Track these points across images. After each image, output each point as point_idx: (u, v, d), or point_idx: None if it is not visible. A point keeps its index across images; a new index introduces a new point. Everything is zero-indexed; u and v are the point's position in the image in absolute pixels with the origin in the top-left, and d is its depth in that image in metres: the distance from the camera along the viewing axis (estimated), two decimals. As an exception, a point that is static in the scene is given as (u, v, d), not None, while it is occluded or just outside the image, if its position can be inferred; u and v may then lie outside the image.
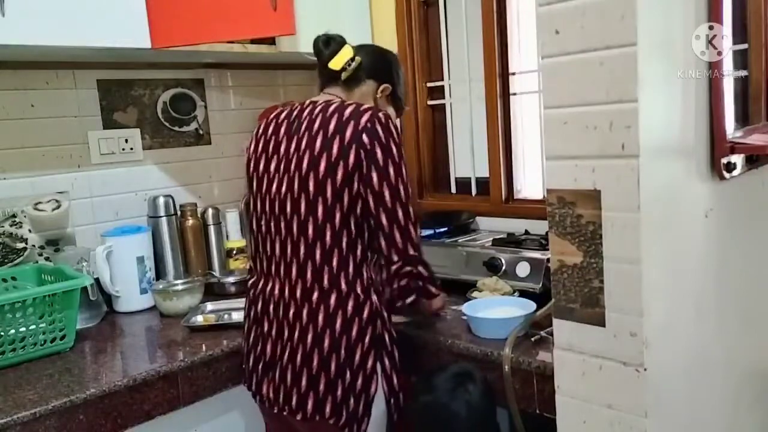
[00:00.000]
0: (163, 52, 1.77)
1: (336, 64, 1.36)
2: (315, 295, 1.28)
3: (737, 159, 1.13)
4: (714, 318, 1.14)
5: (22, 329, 1.50)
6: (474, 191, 2.18)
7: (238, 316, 1.76)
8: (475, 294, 1.64)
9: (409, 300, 1.32)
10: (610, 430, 0.97)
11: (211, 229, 2.16)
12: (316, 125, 1.29)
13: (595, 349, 0.97)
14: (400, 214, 1.26)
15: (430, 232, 1.98)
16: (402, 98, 1.51)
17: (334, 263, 1.27)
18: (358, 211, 1.27)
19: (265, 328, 1.36)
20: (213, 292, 1.98)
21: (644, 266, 0.90)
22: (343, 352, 1.27)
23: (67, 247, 1.90)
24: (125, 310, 1.89)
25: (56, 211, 1.90)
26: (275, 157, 1.35)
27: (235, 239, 2.18)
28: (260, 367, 1.37)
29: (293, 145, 1.31)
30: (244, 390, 1.59)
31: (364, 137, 1.24)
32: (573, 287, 0.97)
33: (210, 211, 2.16)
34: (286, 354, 1.30)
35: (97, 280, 1.82)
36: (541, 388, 1.28)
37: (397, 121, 2.18)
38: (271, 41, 1.99)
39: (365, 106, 1.29)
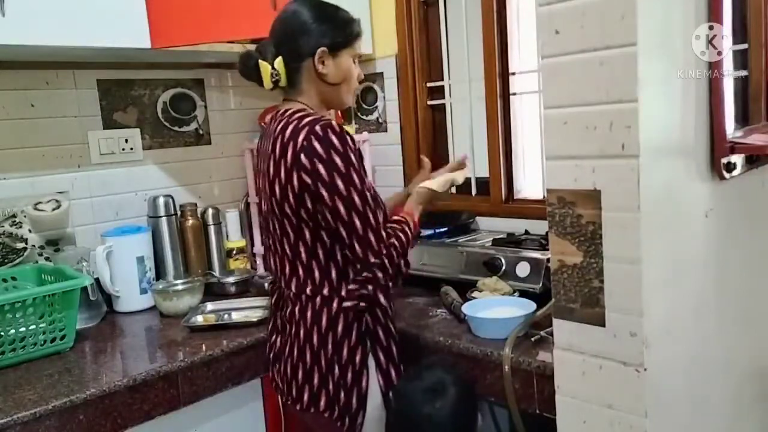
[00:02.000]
0: (163, 52, 1.77)
1: (267, 84, 1.32)
2: (303, 297, 1.32)
3: (737, 159, 1.13)
4: (714, 318, 1.14)
5: (22, 329, 1.50)
6: (474, 191, 2.18)
7: (238, 316, 1.76)
8: (475, 294, 1.64)
9: (348, 304, 1.27)
10: (610, 430, 0.97)
11: (211, 229, 2.16)
12: (271, 146, 1.27)
13: (595, 349, 0.97)
14: (357, 223, 1.23)
15: (430, 232, 1.98)
16: (347, 37, 1.33)
17: (316, 275, 1.29)
18: (323, 223, 1.26)
19: (277, 321, 1.42)
20: (213, 292, 1.98)
21: (644, 266, 0.90)
22: (330, 347, 1.29)
23: (67, 247, 1.90)
24: (125, 310, 1.89)
25: (56, 211, 1.90)
26: (260, 175, 1.37)
27: (235, 239, 2.18)
28: (272, 356, 1.43)
29: (266, 166, 1.31)
30: (244, 390, 1.60)
31: (303, 158, 1.21)
32: (573, 287, 0.97)
33: (210, 211, 2.16)
34: (287, 347, 1.35)
35: (97, 280, 1.82)
36: (541, 388, 1.28)
37: (396, 113, 2.23)
38: (271, 41, 1.99)
39: (305, 121, 1.23)
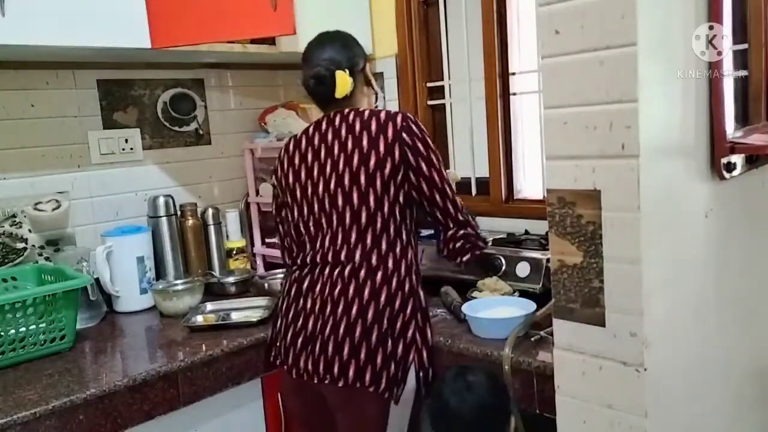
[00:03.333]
0: (163, 52, 1.77)
1: (343, 93, 1.47)
2: (362, 273, 1.38)
3: (737, 159, 1.13)
4: (714, 318, 1.14)
5: (22, 329, 1.50)
6: (474, 191, 2.18)
7: (238, 316, 1.76)
8: (475, 294, 1.64)
9: (465, 258, 1.49)
10: (610, 430, 0.97)
11: (211, 229, 2.16)
12: (358, 127, 1.43)
13: (595, 349, 0.97)
14: (448, 189, 1.45)
15: (430, 232, 1.97)
16: (365, 52, 1.59)
17: (383, 246, 1.40)
18: (401, 198, 1.42)
19: (308, 305, 1.43)
20: (213, 292, 1.98)
21: (644, 266, 0.90)
22: (385, 322, 1.36)
23: (67, 247, 1.90)
24: (125, 310, 1.89)
25: (56, 211, 1.90)
26: (316, 162, 1.47)
27: (235, 239, 2.18)
28: (300, 341, 1.43)
29: (337, 148, 1.44)
30: (244, 390, 1.60)
31: (404, 135, 1.40)
32: (573, 287, 0.97)
33: (210, 211, 2.16)
34: (328, 327, 1.38)
35: (97, 280, 1.82)
36: (541, 388, 1.28)
37: (399, 109, 2.21)
38: (271, 41, 1.99)
39: (393, 112, 1.45)
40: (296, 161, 1.51)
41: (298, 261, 1.50)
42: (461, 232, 1.49)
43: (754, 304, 1.32)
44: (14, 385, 1.38)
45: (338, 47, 1.51)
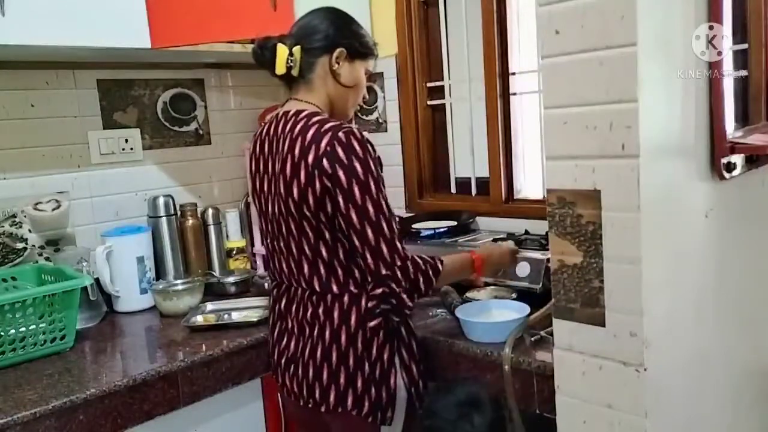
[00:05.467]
0: (163, 52, 1.77)
1: (280, 69, 1.33)
2: (328, 298, 1.31)
3: (737, 159, 1.13)
4: (714, 318, 1.15)
5: (22, 329, 1.50)
6: (474, 191, 2.18)
7: (238, 316, 1.76)
8: (473, 294, 1.65)
9: (372, 324, 1.28)
10: (610, 430, 0.97)
11: (211, 229, 2.16)
12: (287, 146, 1.28)
13: (595, 349, 0.97)
14: (370, 233, 1.22)
15: (430, 232, 1.98)
16: (365, 50, 1.39)
17: (340, 274, 1.30)
18: (338, 229, 1.27)
19: (289, 325, 1.39)
20: (213, 292, 1.98)
21: (644, 266, 0.90)
22: (360, 345, 1.29)
23: (67, 247, 1.90)
24: (125, 310, 1.89)
25: (56, 211, 1.90)
26: (265, 176, 1.36)
27: (235, 239, 2.18)
28: (284, 361, 1.40)
29: (274, 166, 1.32)
30: (244, 390, 1.60)
31: (325, 163, 1.22)
32: (573, 287, 0.98)
33: (210, 211, 2.16)
34: (308, 350, 1.33)
35: (97, 280, 1.82)
36: (541, 388, 1.28)
37: (396, 113, 2.23)
38: (271, 41, 1.99)
39: (327, 126, 1.25)
40: (254, 167, 1.40)
41: (270, 273, 1.46)
42: (377, 290, 1.26)
43: (755, 304, 1.32)
44: (14, 385, 1.38)
45: (307, 22, 1.35)
